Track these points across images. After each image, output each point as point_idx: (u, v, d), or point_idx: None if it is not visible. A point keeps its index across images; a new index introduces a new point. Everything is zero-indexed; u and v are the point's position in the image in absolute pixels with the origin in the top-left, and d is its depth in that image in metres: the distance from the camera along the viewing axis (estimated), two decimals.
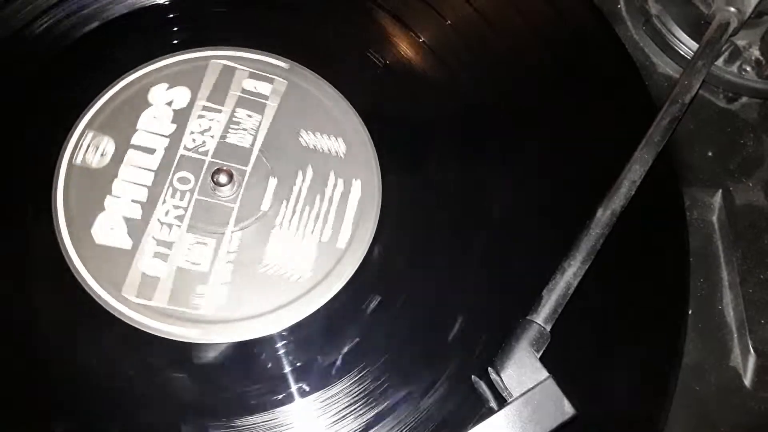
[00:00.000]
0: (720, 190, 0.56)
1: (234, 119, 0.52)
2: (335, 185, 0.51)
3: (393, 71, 0.55)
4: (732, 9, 0.55)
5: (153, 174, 0.50)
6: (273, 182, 0.50)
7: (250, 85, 0.53)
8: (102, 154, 0.50)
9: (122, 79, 0.53)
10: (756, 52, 0.58)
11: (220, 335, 0.46)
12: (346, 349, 0.46)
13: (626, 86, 0.57)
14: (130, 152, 0.50)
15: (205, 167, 0.50)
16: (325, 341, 0.46)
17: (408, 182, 0.51)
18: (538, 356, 0.42)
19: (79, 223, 0.48)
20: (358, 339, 0.46)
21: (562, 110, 0.55)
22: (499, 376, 0.42)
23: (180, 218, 0.49)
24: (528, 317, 0.43)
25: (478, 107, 0.54)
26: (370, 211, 0.50)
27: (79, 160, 0.50)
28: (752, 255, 0.53)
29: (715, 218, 0.55)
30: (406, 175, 0.52)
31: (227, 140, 0.51)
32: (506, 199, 0.51)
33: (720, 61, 0.58)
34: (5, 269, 0.47)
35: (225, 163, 0.50)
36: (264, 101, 0.53)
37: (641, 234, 0.50)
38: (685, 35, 0.59)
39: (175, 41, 0.54)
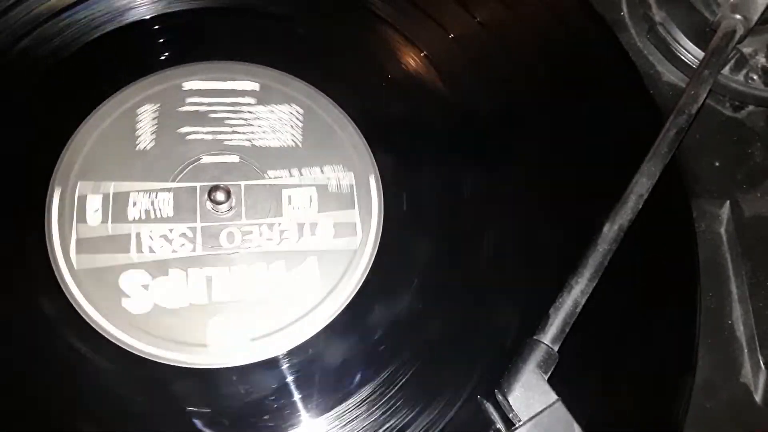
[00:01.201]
0: (728, 201, 0.55)
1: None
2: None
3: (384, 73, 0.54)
4: (738, 16, 0.54)
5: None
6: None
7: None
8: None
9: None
10: (762, 60, 0.57)
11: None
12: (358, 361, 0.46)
13: (631, 95, 0.56)
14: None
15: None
16: (336, 355, 0.46)
17: (408, 183, 0.51)
18: (546, 378, 0.41)
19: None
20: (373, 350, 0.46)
21: (566, 120, 0.54)
22: (506, 398, 0.41)
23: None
24: (535, 337, 0.42)
25: (477, 114, 0.53)
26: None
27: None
28: (762, 268, 0.52)
29: (723, 230, 0.54)
30: (406, 175, 0.52)
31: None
32: (511, 211, 0.50)
33: (726, 70, 0.57)
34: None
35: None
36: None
37: (648, 248, 0.49)
38: (690, 43, 0.58)
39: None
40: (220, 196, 0.48)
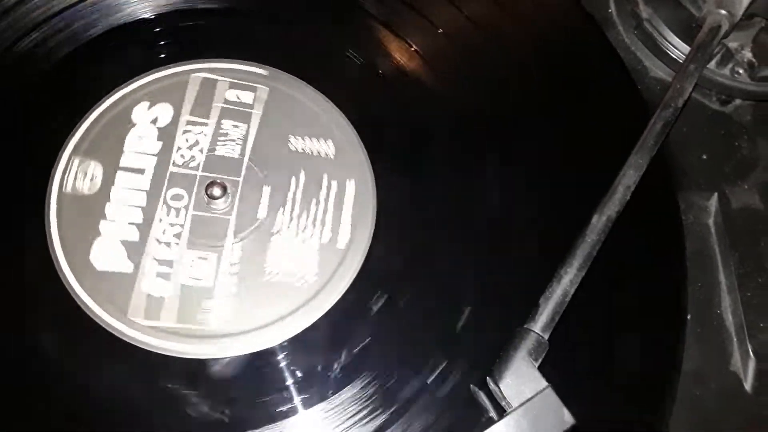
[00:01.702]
0: (716, 194, 0.55)
1: (220, 131, 0.52)
2: (329, 187, 0.50)
3: (373, 69, 0.55)
4: (723, 12, 0.54)
5: (145, 194, 0.49)
6: (267, 190, 0.50)
7: (233, 95, 0.53)
8: (91, 179, 0.49)
9: (104, 101, 0.52)
10: (748, 54, 0.58)
11: (230, 349, 0.46)
12: (356, 350, 0.46)
13: (618, 90, 0.56)
14: (120, 174, 0.50)
15: (197, 182, 0.50)
16: (334, 345, 0.46)
17: (401, 179, 0.51)
18: (537, 365, 0.42)
19: (76, 252, 0.47)
20: (369, 339, 0.46)
21: (554, 115, 0.55)
22: (498, 385, 0.41)
23: (178, 236, 0.48)
24: (525, 326, 0.43)
25: (467, 109, 0.54)
26: (366, 209, 0.50)
27: (68, 187, 0.49)
28: (750, 258, 0.53)
29: (711, 221, 0.55)
30: (399, 171, 0.52)
31: (216, 153, 0.51)
32: (499, 201, 0.51)
33: (712, 64, 0.58)
34: (5, 305, 0.46)
35: (216, 175, 0.50)
36: (248, 110, 0.53)
37: (637, 239, 0.50)
38: (676, 38, 0.59)
39: (155, 57, 0.54)
40: (216, 191, 0.49)
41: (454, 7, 0.56)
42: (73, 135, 0.51)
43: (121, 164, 0.50)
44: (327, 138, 0.52)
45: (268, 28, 0.56)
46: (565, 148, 0.53)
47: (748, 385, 0.50)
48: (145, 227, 0.48)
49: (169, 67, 0.53)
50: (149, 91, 0.53)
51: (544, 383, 0.41)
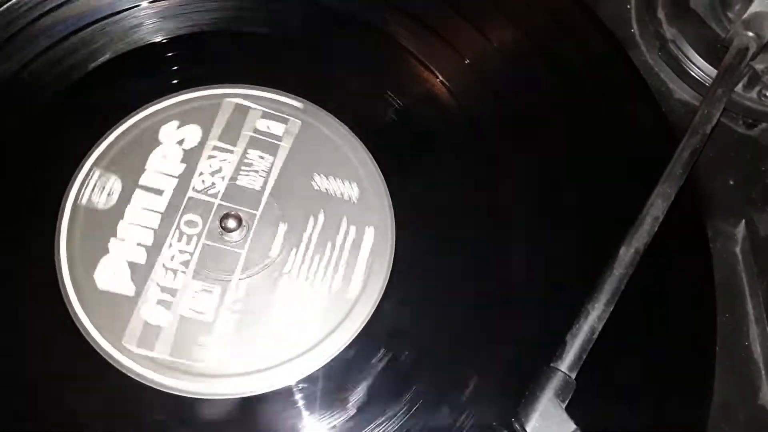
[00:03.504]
0: (743, 221, 0.54)
1: (245, 160, 0.51)
2: (347, 232, 0.49)
3: (411, 113, 0.53)
4: (750, 34, 0.53)
5: (160, 216, 0.48)
6: (283, 228, 0.49)
7: (263, 125, 0.52)
8: (109, 194, 0.49)
9: (132, 117, 0.51)
10: None
11: (222, 389, 0.44)
12: (353, 403, 0.44)
13: (643, 113, 0.55)
14: (138, 192, 0.49)
15: (213, 210, 0.49)
16: (333, 396, 0.45)
17: (423, 231, 0.50)
18: (564, 406, 0.41)
19: (81, 266, 0.47)
20: (366, 394, 0.44)
21: (578, 138, 0.54)
22: (524, 428, 0.40)
23: (186, 264, 0.47)
24: (552, 364, 0.42)
25: (499, 150, 0.53)
26: (382, 260, 0.48)
27: (84, 200, 0.49)
28: None
29: (738, 249, 0.54)
30: (421, 224, 0.50)
31: (237, 182, 0.50)
32: (524, 249, 0.49)
33: (739, 87, 0.56)
34: (2, 311, 0.46)
35: (234, 206, 0.49)
36: (277, 142, 0.51)
37: (664, 270, 0.49)
38: (701, 60, 0.57)
39: (191, 77, 0.53)
40: (231, 223, 0.48)
41: (478, 32, 0.55)
42: (98, 146, 0.50)
43: (141, 182, 0.49)
44: (353, 181, 0.51)
45: (309, 58, 0.55)
46: (589, 171, 0.52)
47: None
48: (154, 250, 0.47)
49: (204, 89, 0.52)
50: (181, 111, 0.52)
51: (572, 426, 0.40)
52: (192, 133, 0.51)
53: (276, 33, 0.55)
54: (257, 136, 0.51)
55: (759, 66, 0.57)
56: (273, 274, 0.48)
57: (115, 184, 0.49)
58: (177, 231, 0.48)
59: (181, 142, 0.51)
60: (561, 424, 0.40)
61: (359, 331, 0.46)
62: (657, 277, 0.48)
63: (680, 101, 0.59)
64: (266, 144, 0.51)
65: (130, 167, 0.50)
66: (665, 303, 0.48)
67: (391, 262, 0.48)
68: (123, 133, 0.51)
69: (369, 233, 0.49)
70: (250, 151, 0.51)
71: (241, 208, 0.49)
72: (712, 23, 0.57)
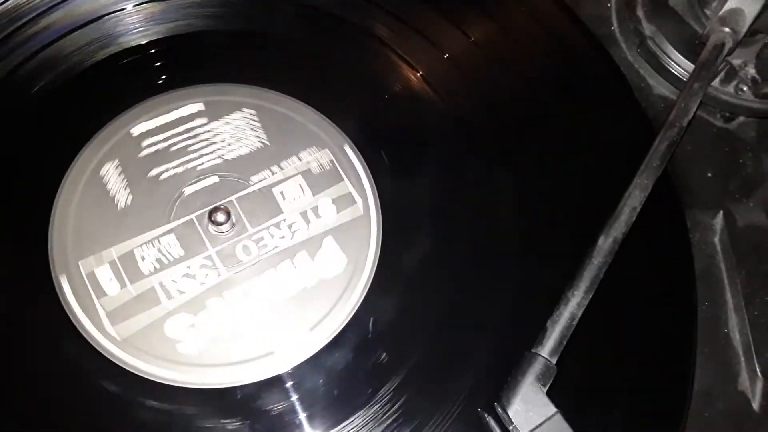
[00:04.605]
0: (721, 212, 0.55)
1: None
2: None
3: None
4: (726, 29, 0.54)
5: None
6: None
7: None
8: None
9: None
10: (752, 71, 0.58)
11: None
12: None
13: (622, 109, 0.56)
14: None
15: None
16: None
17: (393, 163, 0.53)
18: (545, 390, 0.42)
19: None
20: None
21: (557, 134, 0.55)
22: (506, 411, 0.41)
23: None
24: (533, 350, 0.43)
25: (461, 120, 0.54)
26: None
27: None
28: (756, 277, 0.53)
29: (717, 240, 0.55)
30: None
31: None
32: (503, 224, 0.51)
33: (716, 81, 0.57)
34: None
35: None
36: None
37: (644, 259, 0.50)
38: (680, 56, 0.59)
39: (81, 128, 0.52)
40: (220, 216, 0.49)
41: (459, 31, 0.56)
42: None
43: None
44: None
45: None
46: (570, 168, 0.53)
47: (756, 405, 0.50)
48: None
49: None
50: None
51: (553, 409, 0.41)
52: None
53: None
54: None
55: (736, 61, 0.58)
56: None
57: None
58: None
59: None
60: (542, 408, 0.41)
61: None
62: (638, 267, 0.49)
63: (660, 96, 0.60)
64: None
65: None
66: (646, 292, 0.49)
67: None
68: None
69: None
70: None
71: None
72: (690, 20, 0.58)
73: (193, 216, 0.50)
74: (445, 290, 0.49)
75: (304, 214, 0.50)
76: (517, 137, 0.54)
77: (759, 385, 0.50)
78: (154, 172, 0.51)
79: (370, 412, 0.45)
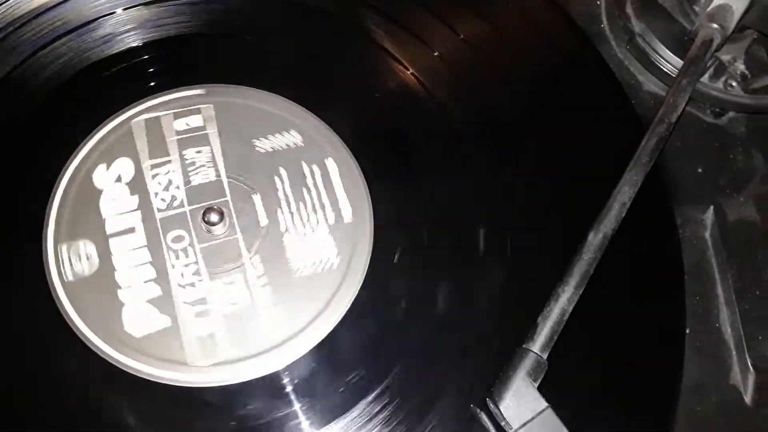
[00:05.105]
0: (711, 207, 0.55)
1: (187, 162, 0.52)
2: (312, 172, 0.52)
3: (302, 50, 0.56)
4: (715, 25, 0.55)
5: (146, 249, 0.49)
6: (258, 198, 0.51)
7: (181, 124, 0.53)
8: (87, 258, 0.48)
9: (62, 179, 0.51)
10: (741, 66, 0.58)
11: (295, 350, 0.47)
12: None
13: (612, 106, 0.57)
14: (113, 242, 0.49)
15: (189, 217, 0.50)
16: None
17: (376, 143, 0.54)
18: (536, 385, 0.42)
19: (110, 329, 0.46)
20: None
21: (548, 132, 0.55)
22: (498, 407, 0.41)
23: (197, 273, 0.49)
24: (524, 345, 0.43)
25: (455, 123, 0.55)
26: (355, 179, 0.52)
27: (70, 276, 0.47)
28: (747, 271, 0.53)
29: (708, 235, 0.55)
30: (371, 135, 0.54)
31: (193, 183, 0.51)
32: (493, 221, 0.51)
33: (705, 77, 0.58)
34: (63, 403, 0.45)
35: (204, 204, 0.50)
36: (203, 132, 0.53)
37: (634, 255, 0.50)
38: (669, 52, 0.59)
39: (88, 120, 0.53)
40: (214, 217, 0.49)
41: (448, 28, 0.57)
42: (47, 225, 0.49)
43: (109, 232, 0.49)
44: (288, 129, 0.53)
45: (185, 50, 0.56)
46: (560, 164, 0.54)
47: (748, 398, 0.50)
48: (162, 279, 0.48)
49: (108, 123, 0.52)
50: (100, 153, 0.52)
51: (544, 404, 0.41)
52: (124, 166, 0.51)
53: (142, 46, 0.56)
54: (182, 136, 0.53)
55: (725, 57, 0.58)
56: (275, 239, 0.50)
57: (87, 247, 0.48)
58: (170, 252, 0.49)
59: (119, 179, 0.51)
60: (533, 403, 0.41)
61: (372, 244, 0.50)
62: (627, 263, 0.49)
63: (649, 93, 0.60)
64: (196, 139, 0.53)
65: (89, 226, 0.49)
66: (636, 285, 0.49)
67: (363, 177, 0.52)
68: (61, 202, 0.50)
69: (331, 163, 0.52)
70: (185, 152, 0.52)
71: (212, 202, 0.50)
72: (678, 17, 0.59)
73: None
74: (438, 286, 0.49)
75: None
76: (507, 134, 0.55)
77: (751, 378, 0.50)
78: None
79: (365, 411, 0.45)
